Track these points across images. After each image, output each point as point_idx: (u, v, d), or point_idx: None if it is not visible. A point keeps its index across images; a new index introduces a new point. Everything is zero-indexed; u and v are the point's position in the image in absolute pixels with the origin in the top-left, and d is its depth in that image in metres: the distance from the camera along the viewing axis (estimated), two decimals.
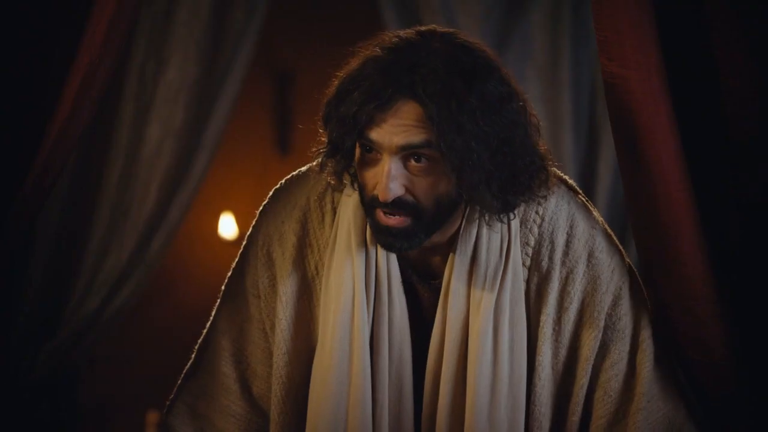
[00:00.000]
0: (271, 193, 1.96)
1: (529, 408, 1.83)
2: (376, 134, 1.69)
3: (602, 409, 1.85)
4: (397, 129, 1.69)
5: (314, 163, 1.91)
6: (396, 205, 1.71)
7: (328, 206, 1.89)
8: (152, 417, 3.93)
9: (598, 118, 3.28)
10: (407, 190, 1.71)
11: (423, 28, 1.75)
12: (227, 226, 4.37)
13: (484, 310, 1.80)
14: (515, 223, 1.81)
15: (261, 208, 1.97)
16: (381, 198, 1.70)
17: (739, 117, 1.81)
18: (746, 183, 1.83)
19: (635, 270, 1.89)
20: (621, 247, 1.88)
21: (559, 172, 1.87)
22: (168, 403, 2.02)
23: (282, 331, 1.90)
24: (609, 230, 1.88)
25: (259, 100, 4.26)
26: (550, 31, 3.27)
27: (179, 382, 2.03)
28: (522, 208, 1.81)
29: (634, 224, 1.90)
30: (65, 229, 3.14)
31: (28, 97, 1.93)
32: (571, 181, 1.90)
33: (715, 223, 1.85)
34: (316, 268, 1.90)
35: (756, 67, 1.78)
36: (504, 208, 1.75)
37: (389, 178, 1.69)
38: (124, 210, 3.19)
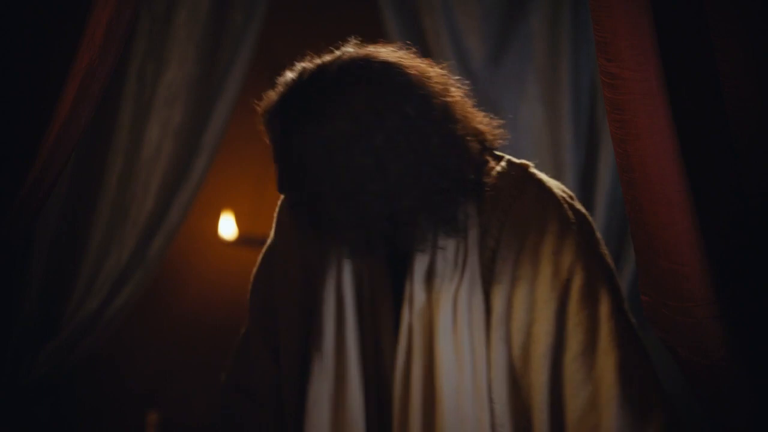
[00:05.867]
0: None
1: (489, 405, 1.85)
2: None
3: (573, 403, 1.85)
4: None
5: None
6: None
7: None
8: (152, 417, 3.93)
9: (598, 118, 3.27)
10: None
11: (327, 61, 1.84)
12: (227, 226, 4.37)
13: (443, 303, 1.85)
14: (473, 231, 1.85)
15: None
16: None
17: (739, 117, 1.81)
18: (746, 183, 1.84)
19: (602, 256, 1.89)
20: (583, 234, 1.89)
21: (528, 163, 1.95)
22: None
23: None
24: (570, 216, 1.91)
25: (259, 100, 4.25)
26: (550, 31, 3.26)
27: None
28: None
29: (633, 225, 1.90)
30: (65, 229, 3.14)
31: (28, 97, 1.93)
32: (536, 171, 1.97)
33: (714, 223, 1.85)
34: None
35: (756, 67, 1.78)
36: (444, 228, 1.85)
37: None
38: (124, 210, 3.19)
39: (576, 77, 3.25)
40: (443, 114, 1.81)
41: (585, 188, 3.22)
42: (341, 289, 1.92)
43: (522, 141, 3.20)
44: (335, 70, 1.80)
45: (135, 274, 3.22)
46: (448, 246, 1.87)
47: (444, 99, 1.84)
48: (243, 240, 4.27)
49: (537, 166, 3.20)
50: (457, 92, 1.90)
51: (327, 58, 1.85)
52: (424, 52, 3.19)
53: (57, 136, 1.94)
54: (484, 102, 3.20)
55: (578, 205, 1.95)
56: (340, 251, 1.91)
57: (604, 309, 1.86)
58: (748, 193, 1.83)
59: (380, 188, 1.76)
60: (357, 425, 1.87)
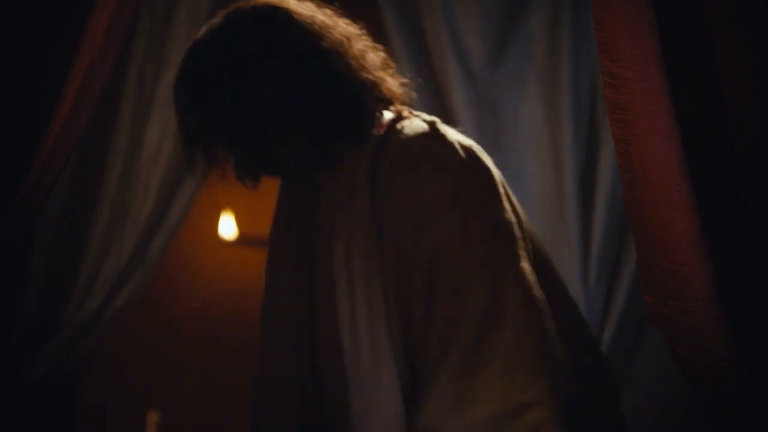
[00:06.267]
0: None
1: (391, 350, 1.87)
2: None
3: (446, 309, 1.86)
4: None
5: None
6: None
7: None
8: (152, 417, 3.93)
9: (598, 118, 3.27)
10: None
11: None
12: (227, 226, 4.37)
13: (338, 244, 1.91)
14: (363, 180, 1.92)
15: None
16: None
17: (739, 117, 1.81)
18: (746, 183, 1.84)
19: (496, 204, 1.89)
20: (475, 186, 1.90)
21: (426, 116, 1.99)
22: None
23: None
24: (463, 169, 1.91)
25: None
26: (550, 31, 3.25)
27: None
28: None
29: (634, 225, 1.90)
30: (65, 229, 3.14)
31: (28, 97, 1.93)
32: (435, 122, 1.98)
33: (714, 223, 1.85)
34: None
35: (756, 67, 1.78)
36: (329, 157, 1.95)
37: None
38: (124, 210, 3.19)
39: (576, 77, 3.24)
40: (331, 62, 1.90)
41: (585, 188, 3.21)
42: (281, 224, 2.05)
43: (522, 141, 3.20)
44: (233, 15, 1.94)
45: (135, 274, 3.22)
46: (342, 190, 1.93)
47: (339, 49, 1.93)
48: (243, 240, 4.27)
49: (537, 166, 3.17)
50: (362, 47, 2.00)
51: (236, 6, 1.97)
52: (424, 52, 3.21)
53: (57, 136, 1.94)
54: (484, 102, 3.22)
55: (484, 159, 1.95)
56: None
57: (505, 262, 1.85)
58: (748, 193, 1.83)
59: (242, 122, 1.91)
60: (287, 357, 1.95)
